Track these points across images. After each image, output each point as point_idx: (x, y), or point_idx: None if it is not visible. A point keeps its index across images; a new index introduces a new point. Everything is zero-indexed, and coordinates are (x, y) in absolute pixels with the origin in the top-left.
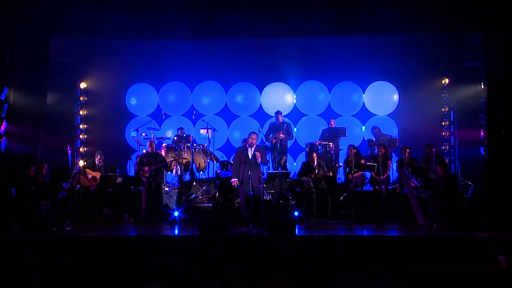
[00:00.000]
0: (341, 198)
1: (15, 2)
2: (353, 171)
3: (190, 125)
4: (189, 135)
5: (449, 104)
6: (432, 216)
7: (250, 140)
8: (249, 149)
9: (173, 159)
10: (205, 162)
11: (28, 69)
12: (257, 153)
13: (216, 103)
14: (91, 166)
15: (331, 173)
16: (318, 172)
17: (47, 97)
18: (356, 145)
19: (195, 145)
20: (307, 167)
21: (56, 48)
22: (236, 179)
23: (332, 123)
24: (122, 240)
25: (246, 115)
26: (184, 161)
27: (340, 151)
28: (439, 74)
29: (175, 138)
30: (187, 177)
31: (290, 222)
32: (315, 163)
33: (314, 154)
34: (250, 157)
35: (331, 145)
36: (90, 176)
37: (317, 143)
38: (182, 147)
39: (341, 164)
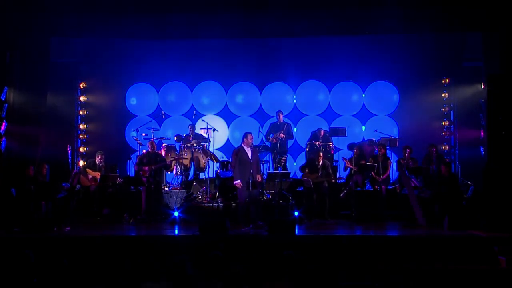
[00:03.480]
0: (341, 194)
1: (15, 2)
2: (353, 171)
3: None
4: (200, 134)
5: (449, 104)
6: (432, 216)
7: (250, 140)
8: (248, 149)
9: (173, 159)
10: (205, 162)
11: (28, 69)
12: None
13: (216, 103)
14: (92, 166)
15: (333, 180)
16: (321, 174)
17: (47, 97)
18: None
19: (195, 144)
20: (311, 165)
21: (56, 48)
22: (240, 181)
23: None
24: (122, 240)
25: (246, 115)
26: (184, 161)
27: (340, 151)
28: (439, 74)
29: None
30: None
31: (290, 222)
32: (320, 163)
33: (321, 154)
34: (250, 158)
35: (331, 145)
36: (90, 176)
37: (317, 143)
38: (182, 147)
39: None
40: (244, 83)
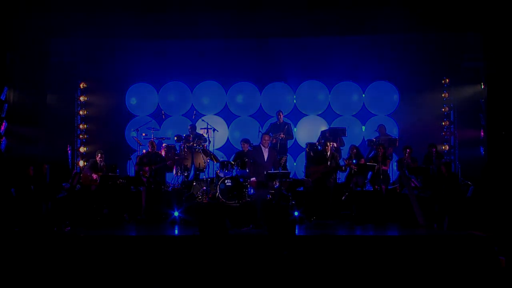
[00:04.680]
0: (343, 197)
1: (15, 2)
2: (353, 171)
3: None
4: (201, 134)
5: (449, 104)
6: (432, 216)
7: (263, 141)
8: (265, 150)
9: (173, 159)
10: (205, 162)
11: (28, 69)
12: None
13: (216, 103)
14: (93, 165)
15: (343, 168)
16: (330, 163)
17: (47, 97)
18: (356, 145)
19: (195, 145)
20: (320, 155)
21: (56, 48)
22: (254, 178)
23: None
24: (122, 240)
25: (246, 115)
26: (184, 161)
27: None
28: (439, 74)
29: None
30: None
31: (290, 222)
32: (329, 153)
33: (328, 143)
34: (265, 158)
35: (331, 145)
36: (94, 176)
37: (317, 143)
38: (182, 147)
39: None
40: (244, 83)
